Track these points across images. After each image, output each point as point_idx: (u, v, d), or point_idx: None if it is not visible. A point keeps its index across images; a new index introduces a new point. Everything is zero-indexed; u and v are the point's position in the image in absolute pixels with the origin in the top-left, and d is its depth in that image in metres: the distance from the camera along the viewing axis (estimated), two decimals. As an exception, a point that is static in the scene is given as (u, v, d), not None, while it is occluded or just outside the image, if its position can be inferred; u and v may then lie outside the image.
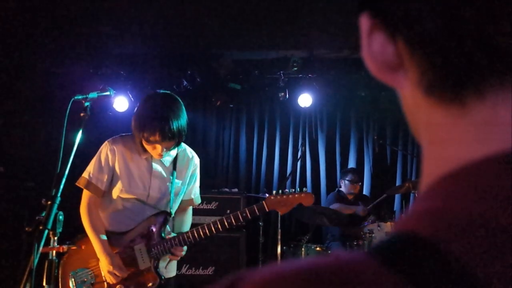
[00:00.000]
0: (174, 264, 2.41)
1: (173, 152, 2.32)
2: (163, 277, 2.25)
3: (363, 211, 4.32)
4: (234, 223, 2.24)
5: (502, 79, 0.31)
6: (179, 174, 2.35)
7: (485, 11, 0.30)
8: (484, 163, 0.30)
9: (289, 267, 0.30)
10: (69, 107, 1.81)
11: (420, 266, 0.27)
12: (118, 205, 2.28)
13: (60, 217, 1.58)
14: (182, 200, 2.43)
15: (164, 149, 2.15)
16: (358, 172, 4.93)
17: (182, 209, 2.45)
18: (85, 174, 2.29)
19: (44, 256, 1.59)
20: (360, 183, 4.83)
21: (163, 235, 2.27)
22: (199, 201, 2.53)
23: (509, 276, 0.26)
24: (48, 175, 1.89)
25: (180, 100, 2.20)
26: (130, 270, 2.23)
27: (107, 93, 2.09)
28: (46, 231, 1.49)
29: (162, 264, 2.31)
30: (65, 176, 1.69)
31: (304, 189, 2.35)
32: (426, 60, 0.33)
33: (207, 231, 2.24)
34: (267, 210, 2.28)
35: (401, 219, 0.32)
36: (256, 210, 2.26)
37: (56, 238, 1.60)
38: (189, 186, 2.43)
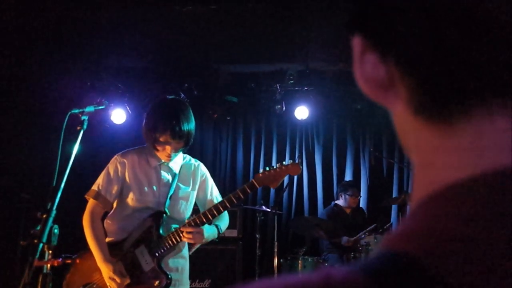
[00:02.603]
0: (184, 278, 2.40)
1: (179, 161, 2.40)
2: (170, 276, 2.25)
3: (348, 242, 4.28)
4: (229, 206, 2.31)
5: (488, 100, 0.32)
6: (187, 180, 2.42)
7: (471, 34, 0.31)
8: (469, 184, 0.31)
9: (279, 283, 0.30)
10: (65, 121, 1.82)
11: (408, 286, 0.28)
12: (131, 215, 2.32)
13: (55, 230, 1.58)
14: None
15: (173, 150, 2.25)
16: (357, 185, 4.93)
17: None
18: (94, 187, 2.35)
19: (39, 269, 1.58)
20: (360, 197, 4.83)
21: (161, 232, 2.30)
22: None
23: None
24: (44, 188, 1.89)
25: (188, 105, 2.33)
26: (136, 274, 2.24)
27: (103, 106, 2.11)
28: (41, 245, 1.49)
29: (174, 276, 2.30)
30: (60, 190, 1.69)
31: (289, 160, 2.44)
32: (415, 81, 0.34)
33: (208, 216, 2.27)
34: (257, 186, 2.37)
35: (390, 237, 0.32)
36: (248, 189, 2.34)
37: (50, 251, 1.60)
38: (207, 195, 2.48)
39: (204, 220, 2.27)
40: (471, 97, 0.32)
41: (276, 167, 2.40)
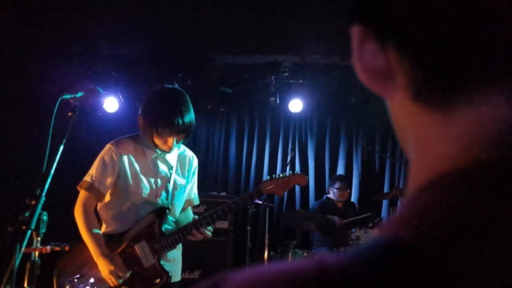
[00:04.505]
0: (179, 268, 2.40)
1: (175, 152, 2.36)
2: (170, 273, 2.22)
3: (339, 221, 4.32)
4: (235, 209, 2.32)
5: (489, 85, 0.31)
6: (182, 173, 2.39)
7: (472, 18, 0.30)
8: (466, 170, 0.31)
9: (272, 270, 0.30)
10: (56, 106, 1.79)
11: (403, 272, 0.27)
12: (128, 208, 2.25)
13: (44, 217, 1.55)
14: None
15: (175, 142, 2.20)
16: (346, 179, 4.94)
17: (182, 209, 2.47)
18: (87, 177, 2.26)
19: (27, 256, 1.56)
20: (348, 190, 4.84)
21: (163, 230, 2.26)
22: (198, 201, 2.55)
23: (488, 279, 0.27)
24: (34, 174, 1.87)
25: (186, 94, 2.24)
26: (135, 270, 2.19)
27: (96, 92, 2.07)
28: (29, 232, 1.46)
29: (170, 267, 2.29)
30: (50, 176, 1.67)
31: (296, 171, 2.45)
32: (415, 65, 0.33)
33: (214, 218, 2.27)
34: (264, 193, 2.39)
35: (385, 224, 0.32)
36: (255, 194, 2.35)
37: (39, 238, 1.57)
38: (190, 189, 2.47)
39: (210, 221, 2.26)
40: (472, 82, 0.31)
41: (283, 176, 2.41)
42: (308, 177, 5.37)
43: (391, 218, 0.32)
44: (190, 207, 2.54)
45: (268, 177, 2.41)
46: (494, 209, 0.28)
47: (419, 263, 0.28)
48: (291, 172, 2.45)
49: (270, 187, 2.37)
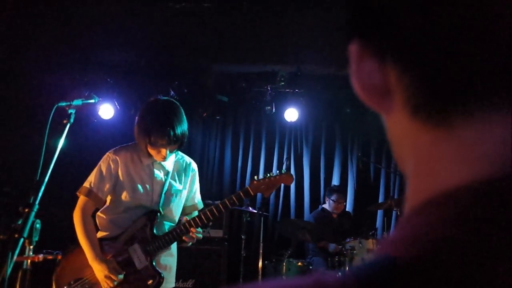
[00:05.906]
0: (171, 276, 2.42)
1: (172, 159, 2.42)
2: (162, 274, 2.27)
3: (336, 249, 4.30)
4: (223, 211, 2.34)
5: (490, 102, 0.31)
6: (178, 178, 2.44)
7: (473, 33, 0.30)
8: (467, 189, 0.30)
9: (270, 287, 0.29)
10: (51, 113, 1.79)
11: None
12: (124, 212, 2.33)
13: (37, 225, 1.54)
14: (186, 206, 2.51)
15: (168, 152, 2.26)
16: (343, 191, 4.94)
17: (187, 214, 2.52)
18: (86, 184, 2.36)
19: (19, 265, 1.55)
20: (344, 203, 4.84)
21: (155, 232, 2.31)
22: (202, 205, 2.60)
23: None
24: (27, 182, 1.85)
25: (180, 106, 2.33)
26: (128, 272, 2.25)
27: (92, 100, 2.08)
28: (22, 240, 1.45)
29: (165, 274, 2.32)
30: (44, 184, 1.66)
31: (283, 170, 2.51)
32: (414, 82, 0.33)
33: (202, 219, 2.29)
34: (252, 194, 2.40)
35: (383, 243, 0.32)
36: (242, 195, 2.36)
37: (31, 247, 1.56)
38: (191, 192, 2.52)
39: (199, 223, 2.29)
40: (473, 98, 0.31)
41: (270, 176, 2.44)
42: (303, 186, 5.36)
43: (390, 236, 0.32)
44: (196, 212, 2.57)
45: (255, 178, 2.45)
46: (495, 229, 0.28)
47: (417, 284, 0.27)
48: (278, 171, 2.48)
49: (258, 187, 2.41)
